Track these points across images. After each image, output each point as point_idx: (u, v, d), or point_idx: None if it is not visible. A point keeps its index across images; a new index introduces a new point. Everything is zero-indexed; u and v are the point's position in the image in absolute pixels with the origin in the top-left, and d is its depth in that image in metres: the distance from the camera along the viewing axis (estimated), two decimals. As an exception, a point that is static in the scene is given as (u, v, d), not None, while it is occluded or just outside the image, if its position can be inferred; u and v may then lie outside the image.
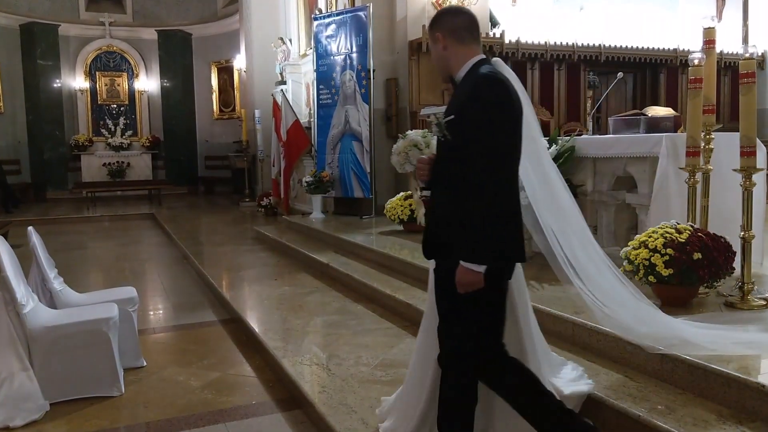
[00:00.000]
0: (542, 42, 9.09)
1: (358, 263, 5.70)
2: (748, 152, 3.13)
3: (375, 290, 4.82)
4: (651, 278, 3.14)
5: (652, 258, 3.09)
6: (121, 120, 16.01)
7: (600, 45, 9.37)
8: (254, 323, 4.44)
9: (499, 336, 2.18)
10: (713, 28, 3.61)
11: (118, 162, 15.54)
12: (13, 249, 3.48)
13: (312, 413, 3.03)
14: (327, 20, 8.44)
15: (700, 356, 2.54)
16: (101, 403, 3.31)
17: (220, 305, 5.38)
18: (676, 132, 4.24)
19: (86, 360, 3.35)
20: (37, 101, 14.99)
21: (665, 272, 3.05)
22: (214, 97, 16.53)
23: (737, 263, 3.23)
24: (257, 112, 11.69)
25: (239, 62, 13.88)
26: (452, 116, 2.10)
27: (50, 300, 3.77)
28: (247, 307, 5.01)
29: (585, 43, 9.32)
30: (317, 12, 9.67)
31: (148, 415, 3.20)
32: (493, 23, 8.85)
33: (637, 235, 3.33)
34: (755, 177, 3.17)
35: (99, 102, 15.90)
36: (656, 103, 9.22)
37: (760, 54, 9.47)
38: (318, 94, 8.60)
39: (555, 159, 4.44)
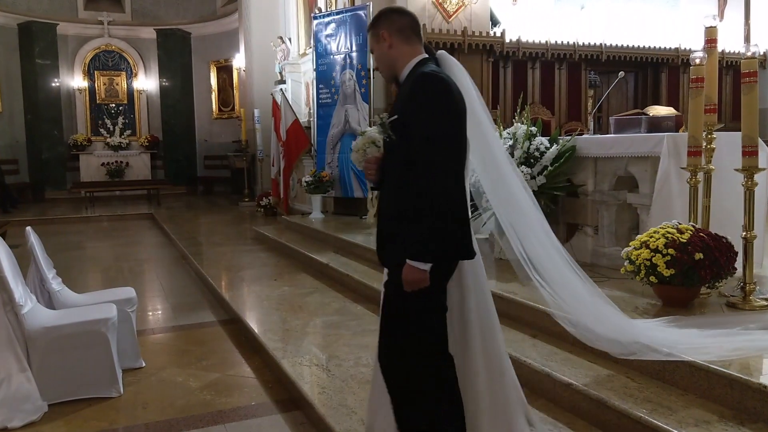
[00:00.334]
0: (543, 41, 9.08)
1: (358, 263, 5.69)
2: (749, 152, 3.12)
3: (375, 290, 4.80)
4: (652, 278, 3.13)
5: (654, 258, 3.08)
6: (120, 119, 15.97)
7: (601, 44, 9.36)
8: (253, 324, 4.43)
9: (444, 336, 2.15)
10: (715, 27, 3.60)
11: (116, 162, 15.51)
12: (12, 249, 3.47)
13: (312, 414, 3.02)
14: (327, 19, 8.43)
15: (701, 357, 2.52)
16: (100, 404, 3.30)
17: (219, 306, 5.37)
18: (677, 131, 4.24)
19: (85, 361, 3.34)
20: (36, 101, 14.95)
21: (667, 273, 3.04)
22: (213, 96, 16.50)
23: (739, 263, 3.21)
24: (256, 112, 11.68)
25: (238, 61, 13.86)
26: (395, 116, 2.09)
27: (48, 300, 3.76)
28: (246, 308, 4.99)
29: (586, 43, 9.32)
30: (317, 11, 9.65)
31: (146, 416, 3.18)
32: (494, 22, 8.84)
33: (639, 235, 3.32)
34: (757, 177, 3.16)
35: (97, 101, 15.86)
36: (657, 103, 9.22)
37: (761, 53, 9.45)
38: (318, 94, 8.59)
39: (556, 159, 4.44)
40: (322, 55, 8.47)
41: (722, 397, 2.42)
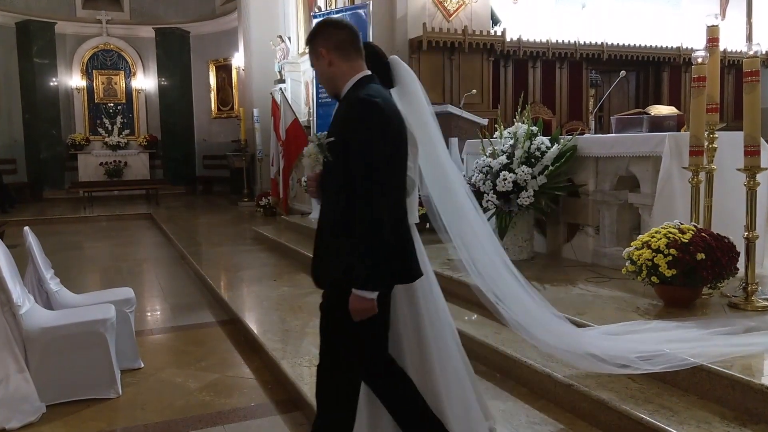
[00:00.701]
0: (544, 40, 9.07)
1: (358, 263, 5.66)
2: (752, 151, 3.11)
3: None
4: (654, 279, 3.11)
5: (655, 258, 3.07)
6: (119, 119, 15.94)
7: (602, 43, 9.35)
8: (253, 324, 4.41)
9: (383, 344, 2.16)
10: (717, 26, 3.59)
11: (115, 161, 15.48)
12: (9, 249, 3.45)
13: (311, 415, 2.99)
14: (326, 18, 8.40)
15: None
16: (98, 405, 3.28)
17: (218, 306, 5.34)
18: (679, 131, 4.23)
19: (83, 361, 3.32)
20: (34, 100, 14.91)
21: (668, 273, 3.03)
22: (212, 95, 16.47)
23: (741, 264, 3.20)
24: (256, 111, 11.65)
25: (238, 60, 13.83)
26: (332, 138, 2.07)
27: (47, 301, 3.74)
28: (245, 308, 4.97)
29: (587, 42, 9.31)
30: (316, 10, 9.63)
31: (145, 417, 3.17)
32: (495, 21, 8.83)
33: (640, 236, 3.31)
34: (759, 176, 3.15)
35: (96, 101, 15.82)
36: (659, 102, 9.23)
37: (764, 52, 9.43)
38: (317, 93, 8.57)
39: (557, 158, 4.42)
40: (321, 54, 8.44)
41: (724, 398, 2.41)
